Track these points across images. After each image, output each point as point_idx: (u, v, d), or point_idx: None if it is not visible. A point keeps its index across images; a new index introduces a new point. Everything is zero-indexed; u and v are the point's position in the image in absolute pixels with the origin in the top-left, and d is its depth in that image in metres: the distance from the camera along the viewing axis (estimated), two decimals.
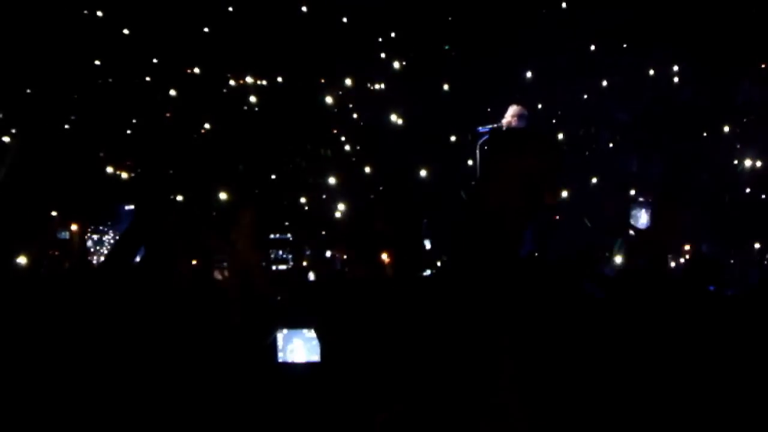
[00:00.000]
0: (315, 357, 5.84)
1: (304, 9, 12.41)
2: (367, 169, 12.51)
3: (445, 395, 4.60)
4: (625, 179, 12.46)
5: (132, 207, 12.13)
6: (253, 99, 12.61)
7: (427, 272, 11.57)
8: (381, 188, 12.61)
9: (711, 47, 11.91)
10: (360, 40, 12.49)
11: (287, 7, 12.47)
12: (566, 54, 12.25)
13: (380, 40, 12.72)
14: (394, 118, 12.38)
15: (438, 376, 4.74)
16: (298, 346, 5.92)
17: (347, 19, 12.49)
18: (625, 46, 12.41)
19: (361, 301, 5.84)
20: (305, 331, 5.98)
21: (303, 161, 12.74)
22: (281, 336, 6.03)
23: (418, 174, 12.41)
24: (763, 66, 12.02)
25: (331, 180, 12.37)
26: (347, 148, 12.78)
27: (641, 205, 12.70)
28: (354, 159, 12.67)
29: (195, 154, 12.54)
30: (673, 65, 12.36)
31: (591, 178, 12.45)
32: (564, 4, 12.40)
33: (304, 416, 5.37)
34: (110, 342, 6.29)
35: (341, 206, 12.38)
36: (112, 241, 11.83)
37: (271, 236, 11.55)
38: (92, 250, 12.11)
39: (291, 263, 9.71)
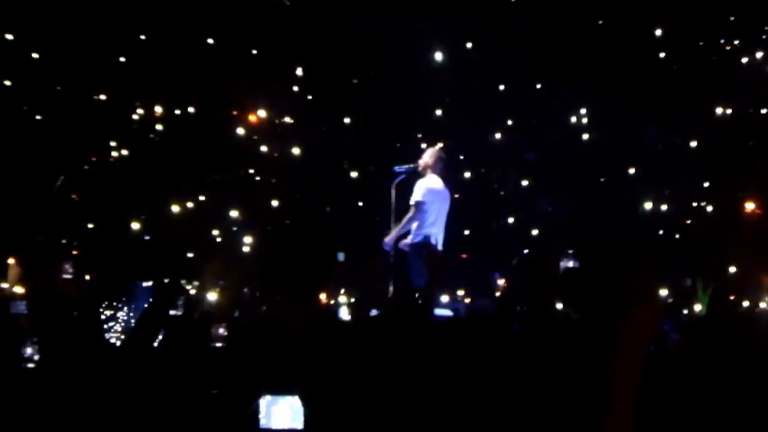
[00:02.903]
0: (298, 424, 5.88)
1: (210, 41, 12.41)
2: (276, 203, 12.47)
3: None
4: (533, 219, 12.52)
5: (148, 284, 11.87)
6: (159, 127, 12.55)
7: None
8: (289, 222, 12.52)
9: (618, 90, 12.05)
10: (270, 72, 12.47)
11: (197, 39, 12.45)
12: (475, 93, 12.31)
13: (292, 73, 12.73)
14: (302, 151, 12.38)
15: None
16: (281, 412, 5.91)
17: (257, 52, 12.49)
18: (536, 86, 12.52)
19: (343, 358, 5.99)
20: (288, 396, 5.94)
21: (211, 192, 12.57)
22: (264, 402, 6.00)
23: (329, 208, 12.45)
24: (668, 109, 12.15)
25: (239, 212, 12.31)
26: (257, 179, 12.71)
27: (569, 257, 12.69)
28: (264, 191, 12.58)
29: (102, 181, 12.42)
30: (581, 107, 12.49)
31: (499, 218, 12.54)
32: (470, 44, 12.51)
33: None
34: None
35: (250, 239, 12.29)
36: (125, 318, 11.60)
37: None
38: (106, 327, 11.75)
39: (181, 309, 9.48)
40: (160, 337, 7.53)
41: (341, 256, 12.41)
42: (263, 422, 5.77)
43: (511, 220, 12.60)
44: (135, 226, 12.16)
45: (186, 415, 6.12)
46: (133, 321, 10.99)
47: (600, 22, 12.39)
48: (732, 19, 12.27)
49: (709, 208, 12.34)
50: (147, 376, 6.47)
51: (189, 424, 6.07)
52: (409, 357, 5.85)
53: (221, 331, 8.39)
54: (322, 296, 11.57)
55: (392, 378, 5.70)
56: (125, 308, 11.85)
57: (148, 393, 6.26)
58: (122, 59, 12.26)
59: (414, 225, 9.46)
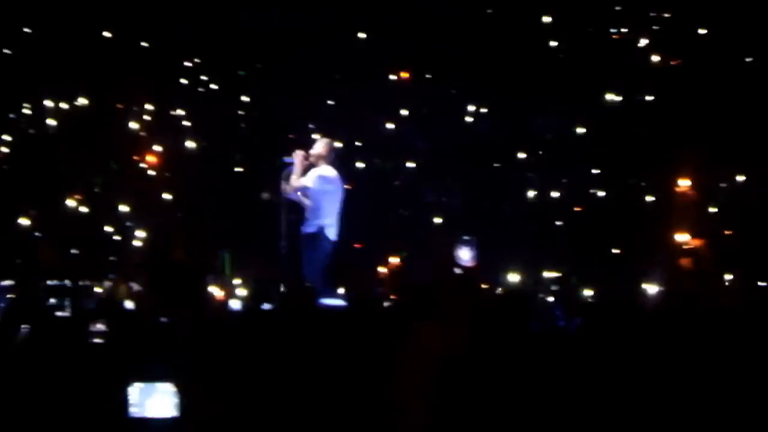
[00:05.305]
0: (172, 412, 5.53)
1: (107, 34, 12.35)
2: (167, 195, 12.34)
3: None
4: (427, 209, 12.52)
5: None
6: (51, 122, 12.40)
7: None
8: (179, 215, 12.39)
9: (509, 79, 12.13)
10: (162, 65, 12.42)
11: (89, 32, 12.38)
12: (368, 84, 12.34)
13: (184, 65, 12.70)
14: (194, 144, 12.31)
15: None
16: (154, 400, 5.54)
17: (148, 45, 12.44)
18: (426, 77, 12.57)
19: (219, 347, 5.74)
20: (161, 384, 5.58)
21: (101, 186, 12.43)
22: (135, 389, 5.62)
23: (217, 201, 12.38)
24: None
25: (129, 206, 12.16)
26: (149, 173, 12.58)
27: (465, 243, 12.69)
28: (153, 184, 12.45)
29: None
30: (472, 97, 12.56)
31: (392, 208, 12.54)
32: (364, 35, 12.54)
33: None
34: None
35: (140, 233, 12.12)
36: None
37: (49, 283, 11.23)
38: None
39: (70, 310, 9.40)
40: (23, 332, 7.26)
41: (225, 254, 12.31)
42: (134, 411, 5.45)
43: (403, 210, 12.57)
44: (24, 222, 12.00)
45: (48, 407, 5.85)
46: None
47: (489, 11, 12.48)
48: (618, 8, 12.46)
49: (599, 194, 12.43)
50: (9, 371, 6.26)
51: (51, 416, 5.80)
52: (292, 346, 5.74)
53: (99, 326, 8.22)
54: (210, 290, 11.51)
55: (272, 367, 5.59)
56: None
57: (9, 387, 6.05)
58: (8, 51, 12.16)
59: (308, 212, 9.47)
